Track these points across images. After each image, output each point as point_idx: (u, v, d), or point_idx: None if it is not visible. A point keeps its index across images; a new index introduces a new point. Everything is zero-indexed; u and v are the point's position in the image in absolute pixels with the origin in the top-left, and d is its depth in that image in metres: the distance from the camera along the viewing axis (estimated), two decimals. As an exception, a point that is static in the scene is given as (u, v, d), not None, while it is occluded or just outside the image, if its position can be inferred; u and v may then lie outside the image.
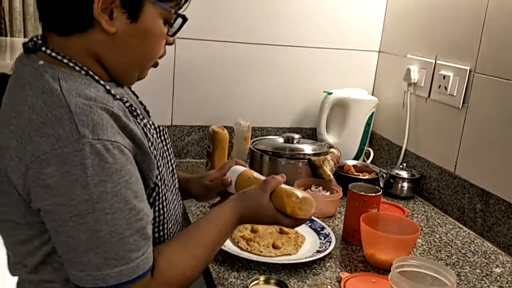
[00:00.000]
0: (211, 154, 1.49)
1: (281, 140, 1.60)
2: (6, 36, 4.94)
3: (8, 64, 3.81)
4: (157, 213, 0.87)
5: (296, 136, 1.58)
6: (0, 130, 0.77)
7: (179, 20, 0.86)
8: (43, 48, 0.81)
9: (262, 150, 1.55)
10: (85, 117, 0.72)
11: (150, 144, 0.84)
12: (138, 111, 0.86)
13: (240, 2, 1.71)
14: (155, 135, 0.88)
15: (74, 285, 0.77)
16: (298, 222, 0.98)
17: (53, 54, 0.80)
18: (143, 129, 0.85)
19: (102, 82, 0.82)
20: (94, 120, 0.73)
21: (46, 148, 0.71)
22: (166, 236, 0.90)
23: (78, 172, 0.70)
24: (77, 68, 0.80)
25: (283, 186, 0.98)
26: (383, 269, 1.12)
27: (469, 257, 1.24)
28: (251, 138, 1.65)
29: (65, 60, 0.80)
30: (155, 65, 0.91)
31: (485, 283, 1.12)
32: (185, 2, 0.87)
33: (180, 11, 0.86)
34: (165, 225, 0.90)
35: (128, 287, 0.75)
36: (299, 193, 0.96)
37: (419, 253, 1.24)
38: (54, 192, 0.71)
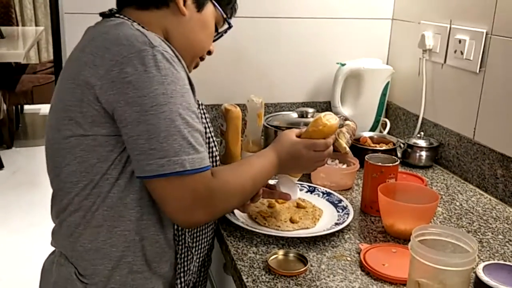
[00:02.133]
0: (224, 133, 1.48)
1: (295, 115, 1.58)
2: (17, 25, 4.96)
3: (21, 54, 3.86)
4: None
5: (310, 110, 1.56)
6: (76, 56, 0.90)
7: (224, 27, 1.07)
8: (117, 14, 0.96)
9: (276, 126, 1.54)
10: (153, 37, 0.87)
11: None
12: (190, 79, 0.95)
13: (247, -24, 1.68)
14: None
15: (101, 216, 0.90)
16: (328, 140, 1.05)
17: (127, 17, 0.94)
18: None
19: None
20: (161, 42, 0.87)
21: (124, 53, 0.83)
22: None
23: (154, 71, 0.83)
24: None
25: None
26: (403, 239, 1.11)
27: (490, 224, 1.22)
28: (265, 115, 1.63)
29: (136, 22, 0.93)
30: (197, 64, 1.07)
31: (508, 249, 1.11)
32: (233, 14, 1.07)
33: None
34: None
35: (197, 175, 0.85)
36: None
37: (440, 222, 1.22)
38: (135, 87, 0.82)
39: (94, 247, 0.93)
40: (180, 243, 0.99)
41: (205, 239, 1.06)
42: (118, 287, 0.94)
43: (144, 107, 0.82)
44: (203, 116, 1.01)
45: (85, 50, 0.88)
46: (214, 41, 1.07)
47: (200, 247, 1.05)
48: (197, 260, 1.05)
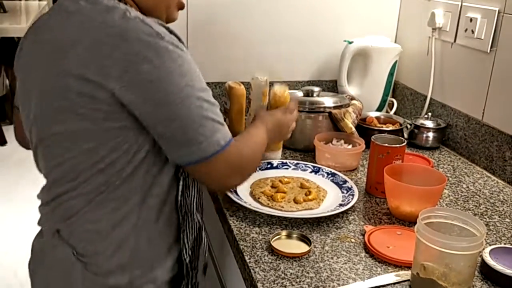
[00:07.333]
0: (228, 111, 1.45)
1: (300, 94, 1.55)
2: (20, 0, 4.90)
3: (24, 28, 3.81)
4: None
5: (316, 89, 1.52)
6: (64, 48, 0.83)
7: None
8: None
9: (281, 104, 1.51)
10: (156, 25, 0.83)
11: None
12: None
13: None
14: None
15: (94, 201, 0.88)
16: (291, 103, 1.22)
17: None
18: None
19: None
20: (159, 27, 0.83)
21: (135, 49, 0.79)
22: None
23: (172, 64, 0.82)
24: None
25: None
26: (409, 221, 1.09)
27: (498, 207, 1.20)
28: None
29: None
30: (181, 6, 1.01)
31: (515, 233, 1.09)
32: None
33: None
34: None
35: (229, 146, 0.89)
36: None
37: (446, 204, 1.20)
38: (158, 87, 0.81)
39: (94, 228, 0.90)
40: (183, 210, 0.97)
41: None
42: (120, 269, 0.92)
43: (175, 102, 0.82)
44: None
45: (82, 44, 0.81)
46: None
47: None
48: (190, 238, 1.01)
